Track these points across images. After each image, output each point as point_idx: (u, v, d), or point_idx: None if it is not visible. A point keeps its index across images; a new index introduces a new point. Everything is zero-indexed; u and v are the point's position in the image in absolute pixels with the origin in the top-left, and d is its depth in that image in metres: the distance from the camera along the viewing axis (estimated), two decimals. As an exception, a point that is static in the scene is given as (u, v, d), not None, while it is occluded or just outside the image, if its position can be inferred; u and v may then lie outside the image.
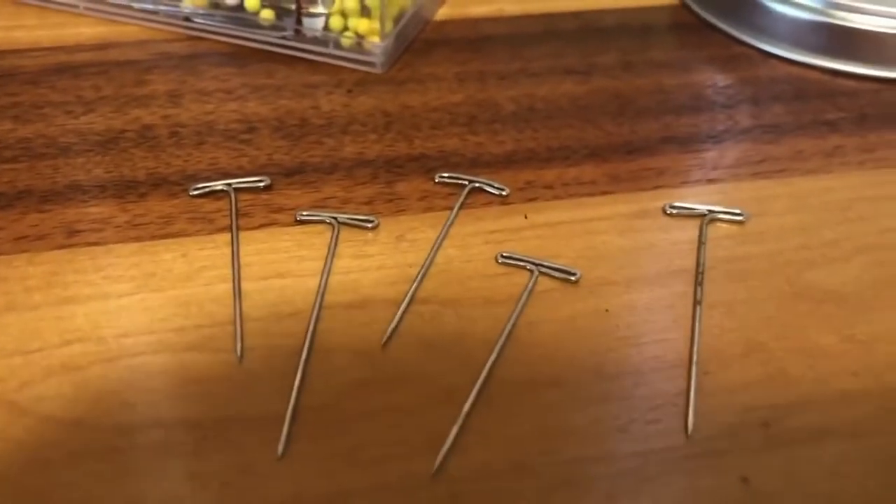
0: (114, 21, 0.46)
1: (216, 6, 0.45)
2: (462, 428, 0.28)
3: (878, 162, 0.40)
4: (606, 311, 0.32)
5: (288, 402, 0.28)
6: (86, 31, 0.46)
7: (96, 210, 0.35)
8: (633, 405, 0.29)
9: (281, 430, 0.27)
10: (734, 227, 0.36)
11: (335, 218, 0.35)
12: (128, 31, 0.46)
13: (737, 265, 0.34)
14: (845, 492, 0.27)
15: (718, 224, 0.36)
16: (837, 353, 0.31)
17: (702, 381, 0.30)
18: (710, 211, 0.36)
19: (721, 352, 0.31)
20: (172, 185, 0.36)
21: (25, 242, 0.33)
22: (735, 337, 0.31)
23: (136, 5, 0.46)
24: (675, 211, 0.36)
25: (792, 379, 0.30)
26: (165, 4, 0.46)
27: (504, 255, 0.34)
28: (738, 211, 0.36)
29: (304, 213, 0.35)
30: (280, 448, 0.27)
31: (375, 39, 0.43)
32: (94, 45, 0.45)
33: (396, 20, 0.44)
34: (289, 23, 0.44)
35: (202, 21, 0.45)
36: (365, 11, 0.43)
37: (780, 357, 0.31)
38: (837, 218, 0.36)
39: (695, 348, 0.31)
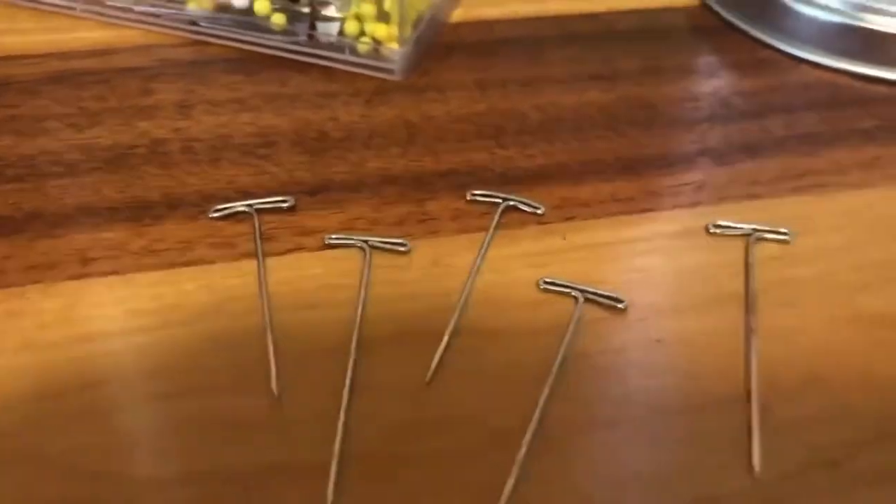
0: (114, 25, 0.44)
1: (224, 9, 0.43)
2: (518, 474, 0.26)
3: (921, 174, 0.38)
4: (658, 341, 0.30)
5: (332, 448, 0.26)
6: (84, 35, 0.43)
7: (110, 235, 0.33)
8: (693, 444, 0.28)
9: (327, 480, 0.26)
10: (780, 247, 0.34)
11: (366, 241, 0.33)
12: (129, 35, 0.43)
13: (788, 289, 0.33)
14: (920, 536, 0.26)
15: (764, 244, 0.34)
16: (900, 384, 0.30)
17: (762, 416, 0.28)
18: (755, 230, 0.34)
19: (779, 385, 0.29)
20: (189, 206, 0.34)
21: (37, 272, 0.31)
22: (792, 368, 0.30)
23: (137, 8, 0.43)
24: (718, 231, 0.34)
25: (856, 413, 0.29)
26: (169, 7, 0.43)
27: (546, 280, 0.32)
28: (784, 230, 0.34)
29: (334, 236, 0.33)
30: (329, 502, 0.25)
31: (394, 45, 0.41)
32: (93, 51, 0.42)
33: (415, 25, 0.42)
34: (301, 28, 0.42)
35: (208, 25, 0.43)
36: (382, 16, 0.41)
37: (841, 391, 0.29)
38: (886, 235, 0.35)
39: (753, 381, 0.29)
